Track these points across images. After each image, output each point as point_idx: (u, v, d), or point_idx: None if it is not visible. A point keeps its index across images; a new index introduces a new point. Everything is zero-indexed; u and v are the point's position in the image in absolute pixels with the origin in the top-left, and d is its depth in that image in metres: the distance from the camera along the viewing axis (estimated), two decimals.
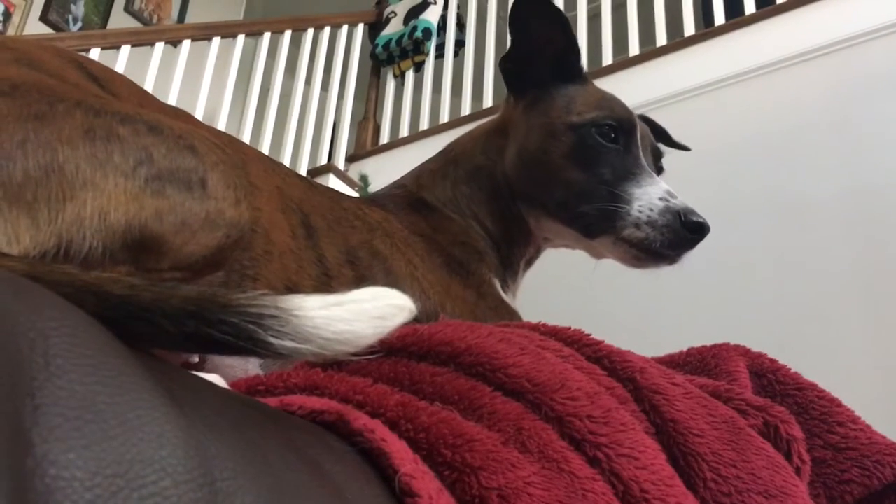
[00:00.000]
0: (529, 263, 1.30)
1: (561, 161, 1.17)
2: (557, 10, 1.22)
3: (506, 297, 1.17)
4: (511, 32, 1.23)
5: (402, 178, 1.30)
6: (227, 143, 0.73)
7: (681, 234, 1.07)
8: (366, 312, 0.45)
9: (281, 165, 1.04)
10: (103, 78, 0.78)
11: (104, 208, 0.53)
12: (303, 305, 0.43)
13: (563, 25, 1.22)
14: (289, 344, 0.41)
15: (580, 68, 1.26)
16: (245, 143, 1.01)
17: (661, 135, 1.43)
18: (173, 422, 0.32)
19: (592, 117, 1.17)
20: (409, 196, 1.23)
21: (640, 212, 1.08)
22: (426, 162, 1.32)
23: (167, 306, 0.41)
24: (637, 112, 1.34)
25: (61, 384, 0.29)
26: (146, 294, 0.42)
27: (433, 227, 1.16)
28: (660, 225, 1.07)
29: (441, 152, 1.33)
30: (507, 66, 1.26)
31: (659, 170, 1.26)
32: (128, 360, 0.33)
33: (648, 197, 1.09)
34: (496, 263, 1.19)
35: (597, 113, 1.18)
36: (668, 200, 1.09)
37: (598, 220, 1.11)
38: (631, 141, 1.18)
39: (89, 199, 0.53)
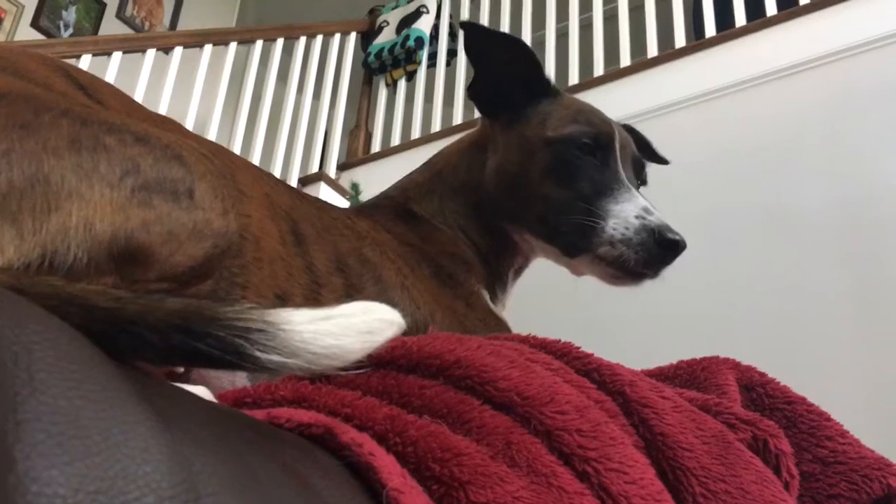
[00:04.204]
0: (518, 273, 1.29)
1: (538, 178, 1.16)
2: (504, 35, 1.23)
3: (495, 308, 1.17)
4: (471, 63, 1.24)
5: (389, 189, 1.30)
6: (215, 153, 0.73)
7: (655, 252, 1.05)
8: (354, 327, 0.45)
9: (269, 175, 1.03)
10: (91, 87, 0.78)
11: (90, 219, 0.53)
12: (291, 320, 0.42)
13: (516, 47, 1.22)
14: (276, 358, 0.41)
15: (548, 82, 1.25)
16: (232, 152, 1.00)
17: (644, 146, 1.42)
18: (158, 437, 0.31)
19: (569, 132, 1.16)
20: (397, 207, 1.23)
21: (614, 229, 1.07)
22: (412, 173, 1.32)
23: (153, 319, 0.41)
24: (627, 123, 1.34)
25: (44, 399, 0.28)
26: (132, 307, 0.42)
27: (421, 238, 1.16)
28: (634, 243, 1.06)
29: (427, 164, 1.33)
30: (475, 93, 1.26)
31: (641, 180, 1.26)
32: (113, 374, 0.33)
33: (625, 214, 1.08)
34: (484, 274, 1.19)
35: (573, 127, 1.17)
36: (644, 217, 1.07)
37: (574, 238, 1.11)
38: (609, 154, 1.17)
39: (74, 210, 0.52)
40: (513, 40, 1.22)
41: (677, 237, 1.05)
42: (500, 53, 1.21)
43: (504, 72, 1.22)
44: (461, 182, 1.25)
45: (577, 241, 1.10)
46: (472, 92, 1.26)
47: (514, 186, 1.19)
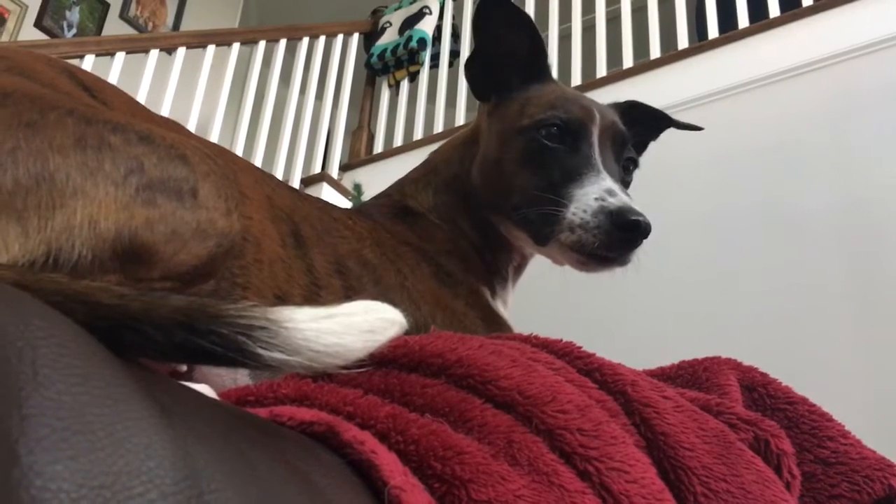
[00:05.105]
0: (519, 270, 1.28)
1: (513, 167, 1.15)
2: (521, 11, 1.21)
3: (495, 305, 1.17)
4: (475, 36, 1.22)
5: (388, 188, 1.31)
6: (218, 154, 0.73)
7: (613, 234, 1.01)
8: (356, 326, 0.45)
9: (271, 176, 1.04)
10: (95, 88, 0.78)
11: (94, 217, 0.53)
12: (293, 317, 0.43)
13: (528, 27, 1.21)
14: (278, 356, 0.41)
15: (547, 67, 1.24)
16: (235, 154, 1.01)
17: (665, 120, 1.40)
18: (161, 433, 0.31)
19: (539, 119, 1.14)
20: (394, 205, 1.23)
21: (573, 214, 1.04)
22: (410, 171, 1.32)
23: (156, 316, 0.41)
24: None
25: (49, 395, 0.29)
26: (135, 303, 0.42)
27: (420, 236, 1.16)
28: (591, 227, 1.02)
29: (424, 161, 1.33)
30: (473, 69, 1.25)
31: (629, 163, 1.23)
32: (116, 370, 0.33)
33: (586, 198, 1.05)
34: (483, 271, 1.18)
35: (545, 114, 1.14)
36: (603, 200, 1.04)
37: (540, 226, 1.09)
38: (581, 140, 1.13)
39: (79, 208, 0.53)
40: (525, 17, 1.21)
41: (637, 218, 1.01)
42: (509, 29, 1.20)
43: (506, 49, 1.21)
44: (453, 174, 1.25)
45: (543, 229, 1.08)
46: (470, 68, 1.25)
47: (493, 177, 1.18)
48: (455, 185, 1.24)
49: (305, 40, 4.14)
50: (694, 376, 0.82)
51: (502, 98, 1.23)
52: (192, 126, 3.24)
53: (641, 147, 1.38)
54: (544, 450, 0.53)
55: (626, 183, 1.20)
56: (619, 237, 1.02)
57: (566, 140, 1.13)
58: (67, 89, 0.71)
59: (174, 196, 0.59)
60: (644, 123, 1.34)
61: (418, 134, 3.98)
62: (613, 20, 3.59)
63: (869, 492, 0.71)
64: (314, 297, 0.91)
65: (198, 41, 3.67)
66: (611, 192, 1.05)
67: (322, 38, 4.22)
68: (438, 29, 4.37)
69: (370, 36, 4.62)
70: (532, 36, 1.21)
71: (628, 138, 1.22)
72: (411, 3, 4.51)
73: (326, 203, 1.13)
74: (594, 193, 1.05)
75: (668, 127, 1.41)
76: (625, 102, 1.32)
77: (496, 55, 1.22)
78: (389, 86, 4.42)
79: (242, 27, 5.70)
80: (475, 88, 1.27)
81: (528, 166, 1.14)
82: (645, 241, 1.04)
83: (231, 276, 0.80)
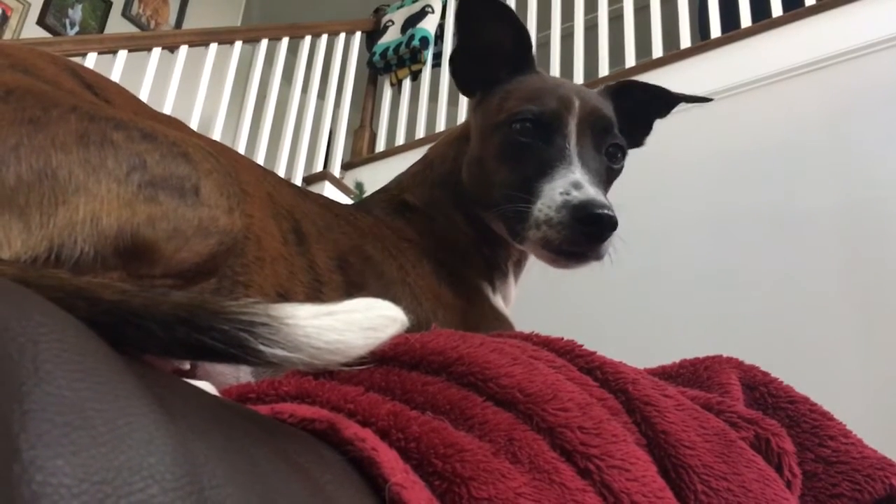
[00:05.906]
0: (519, 265, 1.27)
1: (492, 164, 1.13)
2: (503, 4, 1.18)
3: (496, 301, 1.16)
4: (457, 31, 1.21)
5: (388, 183, 1.30)
6: (220, 152, 0.73)
7: (576, 229, 0.98)
8: (357, 323, 0.45)
9: (272, 173, 1.04)
10: (97, 85, 0.78)
11: (96, 213, 0.53)
12: (294, 314, 0.43)
13: (511, 19, 1.18)
14: (279, 352, 0.41)
15: (531, 59, 1.22)
16: (236, 152, 1.01)
17: (666, 95, 1.35)
18: (163, 429, 0.31)
19: (512, 113, 1.11)
20: (393, 200, 1.23)
21: (540, 210, 1.02)
22: (410, 166, 1.32)
23: (158, 312, 0.41)
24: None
25: (50, 390, 0.29)
26: (137, 300, 0.42)
27: (419, 232, 1.15)
28: (555, 222, 1.00)
29: (423, 156, 1.33)
30: (456, 65, 1.23)
31: (615, 150, 1.17)
32: (118, 365, 0.33)
33: (552, 193, 1.02)
34: (482, 266, 1.18)
35: (520, 107, 1.11)
36: (567, 194, 1.00)
37: (513, 223, 1.07)
38: (555, 132, 1.09)
39: (82, 204, 0.53)
40: (508, 11, 1.18)
41: (600, 211, 0.97)
42: (492, 24, 1.18)
43: (490, 43, 1.19)
44: (447, 170, 1.24)
45: (516, 226, 1.06)
46: (454, 63, 1.23)
47: (476, 173, 1.17)
48: (449, 180, 1.23)
49: (308, 39, 4.15)
50: (695, 375, 0.82)
51: (486, 93, 1.21)
52: (194, 124, 3.24)
53: (647, 127, 1.35)
54: (545, 448, 0.53)
55: (612, 171, 1.17)
56: (581, 231, 0.99)
57: (540, 133, 1.10)
58: (70, 87, 0.71)
59: (176, 193, 0.60)
60: (644, 102, 1.31)
61: (420, 133, 3.98)
62: (616, 19, 3.58)
63: (870, 491, 0.71)
64: (316, 293, 0.92)
65: (200, 39, 3.67)
66: (577, 185, 1.02)
67: (324, 37, 4.22)
68: (441, 27, 4.37)
69: (372, 34, 4.63)
70: (516, 29, 1.19)
71: (612, 124, 1.17)
72: (413, 2, 4.50)
73: (328, 199, 1.13)
74: (560, 188, 1.02)
75: (674, 102, 1.36)
76: (617, 83, 1.29)
77: (480, 49, 1.20)
78: (391, 84, 4.42)
79: (245, 25, 5.70)
80: (459, 84, 1.25)
81: (505, 162, 1.12)
82: (614, 233, 1.00)
83: (233, 273, 0.81)
